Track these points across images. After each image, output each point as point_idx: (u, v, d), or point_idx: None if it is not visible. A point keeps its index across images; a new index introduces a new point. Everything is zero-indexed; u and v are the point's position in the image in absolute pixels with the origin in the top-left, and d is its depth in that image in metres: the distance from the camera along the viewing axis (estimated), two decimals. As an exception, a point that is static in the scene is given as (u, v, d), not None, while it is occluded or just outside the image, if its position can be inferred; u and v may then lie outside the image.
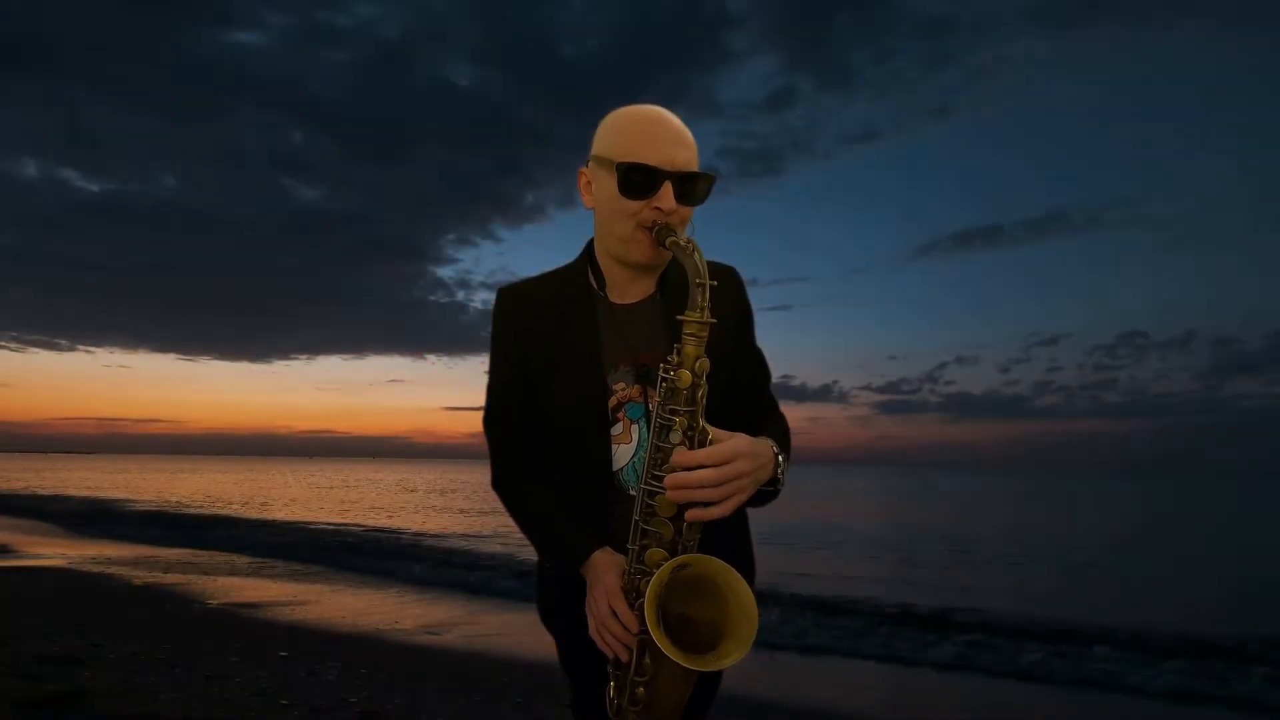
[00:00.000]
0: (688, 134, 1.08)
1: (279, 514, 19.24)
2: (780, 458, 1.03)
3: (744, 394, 1.19)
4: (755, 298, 1.25)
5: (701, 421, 0.96)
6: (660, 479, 0.95)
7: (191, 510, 19.16)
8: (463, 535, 14.90)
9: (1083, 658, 5.61)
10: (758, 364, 1.24)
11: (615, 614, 0.99)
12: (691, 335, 0.95)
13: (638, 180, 1.03)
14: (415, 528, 16.40)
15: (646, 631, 0.90)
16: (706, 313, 0.94)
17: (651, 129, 1.05)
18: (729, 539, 1.13)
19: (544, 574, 1.24)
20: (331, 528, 15.73)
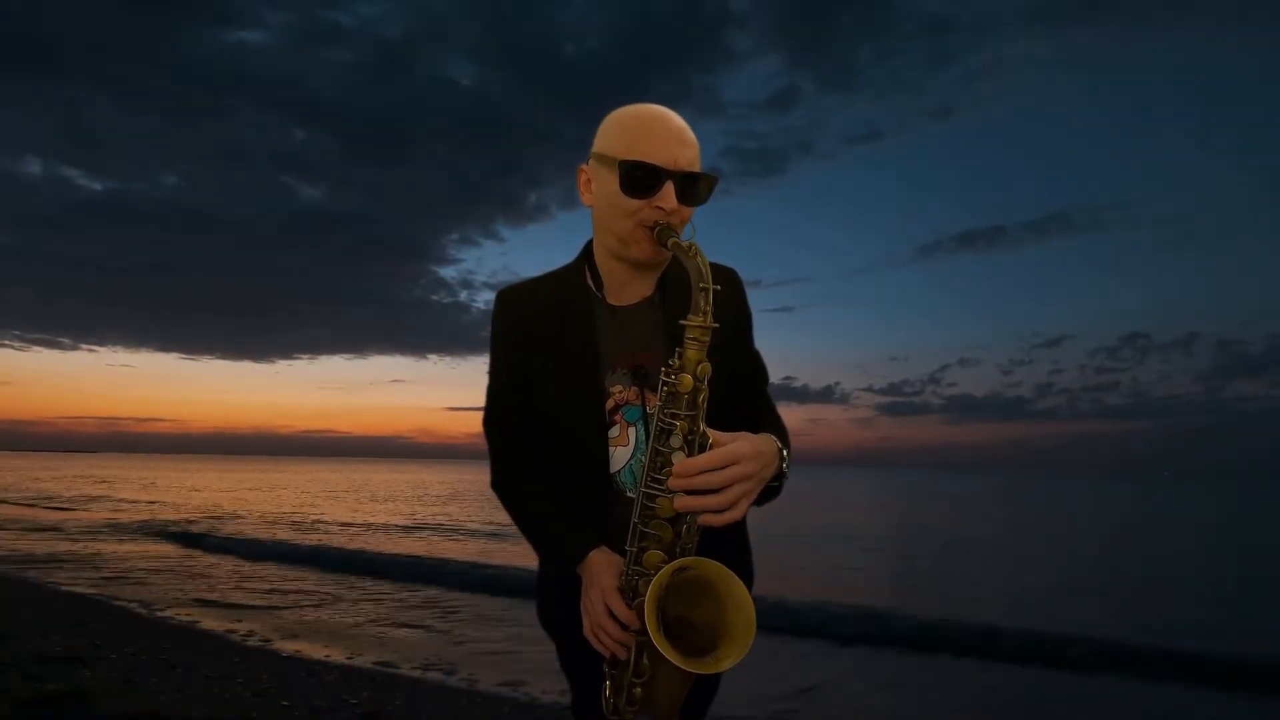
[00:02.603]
0: (690, 134, 1.07)
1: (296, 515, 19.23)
2: (784, 452, 1.02)
3: (741, 396, 1.19)
4: (757, 299, 1.25)
5: (702, 426, 0.96)
6: (660, 482, 0.95)
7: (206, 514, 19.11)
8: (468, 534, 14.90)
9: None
10: (756, 366, 1.23)
11: (611, 613, 0.98)
12: (694, 339, 0.94)
13: (640, 178, 1.03)
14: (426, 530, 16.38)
15: (645, 633, 0.90)
16: (709, 317, 0.93)
17: (655, 128, 1.05)
18: (727, 542, 1.13)
19: (544, 575, 1.24)
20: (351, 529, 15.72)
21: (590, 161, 1.12)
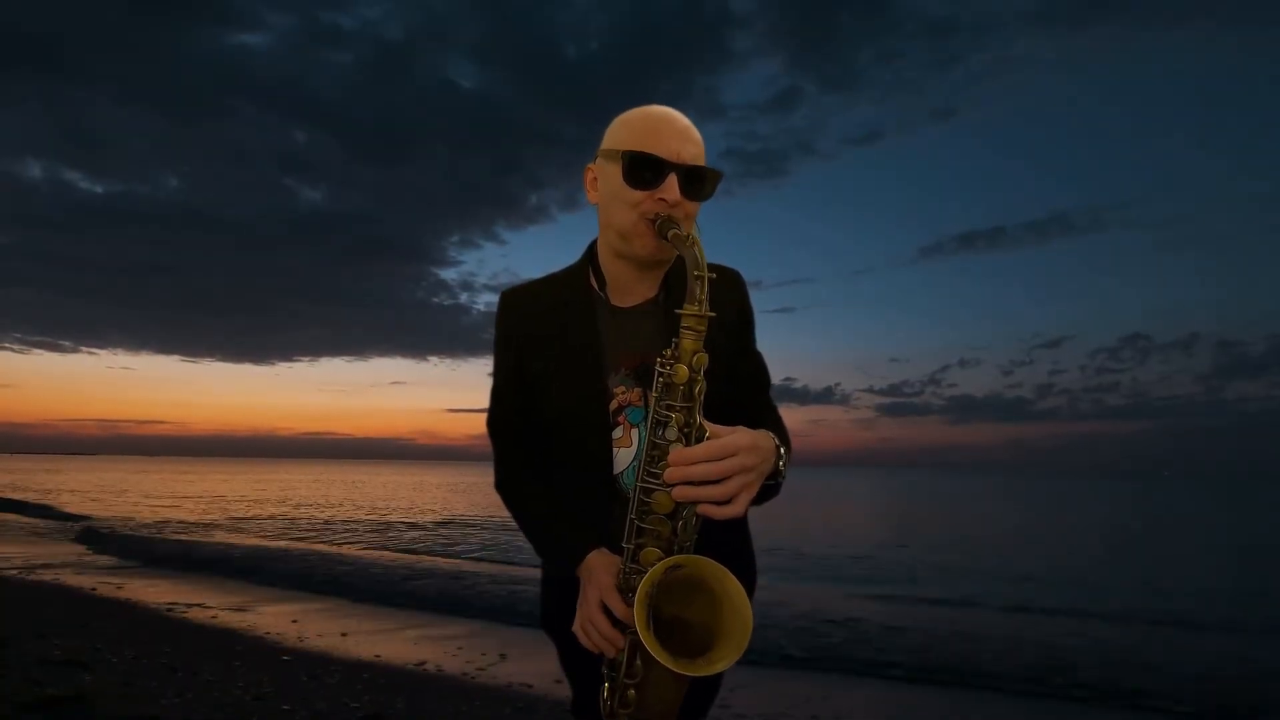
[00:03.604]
0: (696, 133, 1.09)
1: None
2: (781, 450, 1.01)
3: (743, 397, 1.18)
4: (758, 300, 1.25)
5: (699, 417, 0.94)
6: (657, 476, 0.93)
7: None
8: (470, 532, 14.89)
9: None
10: (757, 367, 1.23)
11: (609, 610, 0.98)
12: (689, 329, 0.93)
13: (644, 171, 1.04)
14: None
15: (636, 632, 0.88)
16: (705, 306, 0.93)
17: (659, 124, 1.06)
18: (727, 539, 1.12)
19: (545, 576, 1.24)
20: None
21: (597, 159, 1.13)
